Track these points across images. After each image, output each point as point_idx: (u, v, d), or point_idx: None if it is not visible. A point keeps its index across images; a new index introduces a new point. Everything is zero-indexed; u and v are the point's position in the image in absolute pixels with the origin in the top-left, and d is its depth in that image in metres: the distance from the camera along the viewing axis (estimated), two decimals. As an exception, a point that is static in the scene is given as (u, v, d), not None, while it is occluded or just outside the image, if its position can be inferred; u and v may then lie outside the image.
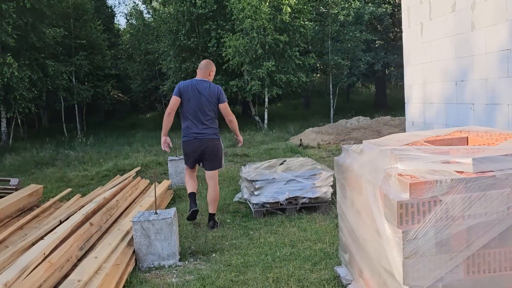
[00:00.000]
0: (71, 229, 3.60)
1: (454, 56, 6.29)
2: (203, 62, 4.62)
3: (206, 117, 4.35)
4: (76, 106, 19.75)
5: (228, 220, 4.88)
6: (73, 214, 4.15)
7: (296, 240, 4.09)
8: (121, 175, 8.60)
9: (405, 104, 7.97)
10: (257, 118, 16.26)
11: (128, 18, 27.07)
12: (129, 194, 5.49)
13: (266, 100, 15.33)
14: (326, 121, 17.85)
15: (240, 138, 4.85)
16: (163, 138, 4.45)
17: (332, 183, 5.18)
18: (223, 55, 14.73)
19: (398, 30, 23.07)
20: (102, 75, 21.20)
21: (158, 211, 3.74)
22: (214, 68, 4.60)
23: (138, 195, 5.72)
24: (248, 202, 5.19)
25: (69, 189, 6.99)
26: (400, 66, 19.80)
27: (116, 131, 20.67)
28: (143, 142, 13.30)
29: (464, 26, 5.96)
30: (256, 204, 4.92)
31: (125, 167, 8.97)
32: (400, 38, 25.69)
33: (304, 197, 4.93)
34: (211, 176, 4.52)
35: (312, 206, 5.02)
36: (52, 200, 5.57)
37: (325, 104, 26.97)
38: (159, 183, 6.61)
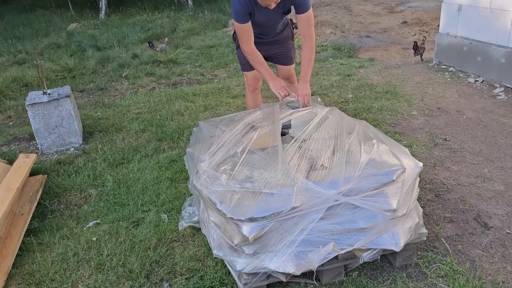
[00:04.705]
0: None
1: None
2: None
3: None
4: None
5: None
6: None
7: None
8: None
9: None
10: (176, -10, 11.87)
11: None
12: None
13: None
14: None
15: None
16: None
17: (418, 189, 2.21)
18: None
19: None
20: None
21: None
22: None
23: None
24: (227, 264, 2.09)
25: None
26: None
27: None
28: (7, 35, 8.70)
29: None
30: (250, 275, 1.87)
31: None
32: None
33: (371, 249, 1.94)
34: None
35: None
36: None
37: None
38: (10, 161, 3.14)
